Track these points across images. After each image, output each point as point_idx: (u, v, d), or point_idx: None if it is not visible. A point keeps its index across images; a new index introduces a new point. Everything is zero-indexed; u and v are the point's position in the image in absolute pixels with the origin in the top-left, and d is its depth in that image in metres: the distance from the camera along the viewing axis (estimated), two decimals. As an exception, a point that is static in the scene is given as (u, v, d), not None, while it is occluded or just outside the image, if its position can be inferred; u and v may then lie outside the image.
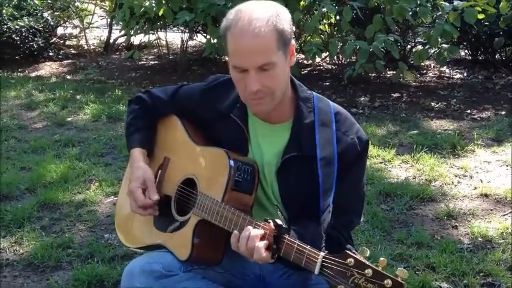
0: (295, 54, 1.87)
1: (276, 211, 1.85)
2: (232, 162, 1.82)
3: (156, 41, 7.96)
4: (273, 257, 1.65)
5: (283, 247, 1.63)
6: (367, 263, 1.45)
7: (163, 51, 8.15)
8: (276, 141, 1.89)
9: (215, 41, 6.29)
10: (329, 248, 1.64)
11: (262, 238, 1.66)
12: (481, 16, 5.53)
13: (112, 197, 3.71)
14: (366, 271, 1.44)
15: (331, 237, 1.76)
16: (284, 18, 1.76)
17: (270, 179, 1.90)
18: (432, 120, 5.37)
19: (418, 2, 5.65)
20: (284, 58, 1.77)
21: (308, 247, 1.58)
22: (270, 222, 1.66)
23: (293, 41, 1.82)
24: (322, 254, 1.55)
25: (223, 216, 1.79)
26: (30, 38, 8.35)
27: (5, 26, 8.14)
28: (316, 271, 1.54)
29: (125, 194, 2.18)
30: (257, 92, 1.74)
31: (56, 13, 8.80)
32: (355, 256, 1.47)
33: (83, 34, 8.86)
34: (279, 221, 1.66)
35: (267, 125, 1.91)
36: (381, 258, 1.45)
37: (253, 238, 1.66)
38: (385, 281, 1.41)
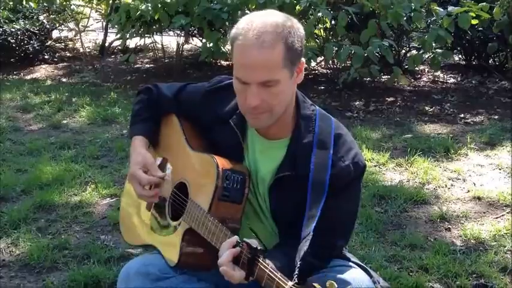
0: (303, 71, 1.79)
1: (252, 234, 1.82)
2: (220, 171, 1.79)
3: (151, 45, 7.98)
4: (247, 278, 1.61)
5: (257, 270, 1.59)
6: None
7: (159, 54, 8.17)
8: (271, 157, 1.86)
9: (211, 45, 6.31)
10: (304, 273, 1.61)
11: (237, 257, 1.63)
12: (474, 21, 5.58)
13: (108, 198, 3.73)
14: None
15: (313, 254, 1.71)
16: (296, 35, 1.71)
17: (263, 192, 1.88)
18: (426, 124, 5.41)
19: (413, 8, 5.69)
20: (289, 76, 1.72)
21: (279, 274, 1.54)
22: (243, 246, 1.63)
23: (303, 59, 1.76)
24: (290, 283, 1.50)
25: (207, 228, 1.76)
26: (25, 41, 8.35)
27: (1, 29, 8.14)
28: None
29: (128, 190, 2.18)
30: (256, 107, 1.71)
31: (51, 16, 8.82)
32: None
33: (78, 37, 8.88)
34: (253, 244, 1.62)
35: (264, 140, 1.88)
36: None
37: (224, 259, 1.63)
38: None
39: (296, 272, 1.56)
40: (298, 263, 1.61)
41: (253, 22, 1.69)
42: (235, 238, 1.66)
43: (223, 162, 1.82)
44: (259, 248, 1.62)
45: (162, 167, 2.06)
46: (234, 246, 1.64)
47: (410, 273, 2.84)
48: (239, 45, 1.69)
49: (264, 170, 1.86)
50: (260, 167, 1.87)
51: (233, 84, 1.77)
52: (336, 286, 1.44)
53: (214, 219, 1.75)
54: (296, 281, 1.52)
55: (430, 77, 7.21)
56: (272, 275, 1.54)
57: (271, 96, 1.70)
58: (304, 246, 1.66)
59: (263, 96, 1.69)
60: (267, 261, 1.60)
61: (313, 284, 1.44)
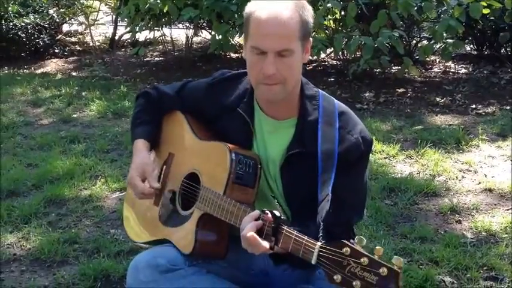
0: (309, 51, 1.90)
1: (275, 203, 1.86)
2: (233, 156, 1.85)
3: (161, 38, 7.99)
4: (272, 247, 1.65)
5: (282, 238, 1.63)
6: (363, 251, 1.45)
7: (168, 47, 8.18)
8: (280, 137, 1.91)
9: (220, 37, 6.31)
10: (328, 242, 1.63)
11: (260, 229, 1.67)
12: (486, 11, 5.52)
13: (118, 192, 3.74)
14: (362, 260, 1.44)
15: (331, 233, 1.73)
16: (308, 12, 1.82)
17: (274, 174, 1.92)
18: (437, 115, 5.37)
19: (423, -3, 5.65)
20: (301, 50, 1.81)
21: (306, 237, 1.59)
22: (267, 214, 1.67)
23: (310, 39, 1.86)
24: (319, 243, 1.55)
25: (225, 209, 1.81)
26: (35, 35, 8.40)
27: (11, 23, 8.19)
28: (314, 261, 1.54)
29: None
30: (271, 77, 1.77)
31: (61, 10, 8.86)
32: (351, 245, 1.47)
33: (88, 31, 8.91)
34: (277, 212, 1.66)
35: (272, 121, 1.93)
36: (377, 247, 1.45)
37: (249, 229, 1.67)
38: (381, 269, 1.41)
39: (321, 234, 1.62)
40: (321, 223, 1.67)
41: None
42: (257, 212, 1.71)
43: (234, 148, 1.88)
44: (282, 217, 1.67)
45: (168, 162, 2.08)
46: (256, 220, 1.69)
47: (420, 266, 2.83)
48: (257, 17, 1.77)
49: (274, 151, 1.92)
50: (270, 148, 1.93)
51: (247, 57, 1.84)
52: (365, 241, 1.47)
53: (231, 199, 1.80)
54: (323, 240, 1.56)
55: (441, 67, 7.15)
56: (299, 239, 1.59)
57: (286, 67, 1.77)
58: (325, 205, 1.73)
59: (279, 66, 1.76)
60: (291, 228, 1.64)
61: (343, 240, 1.48)
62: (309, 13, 1.81)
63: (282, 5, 1.76)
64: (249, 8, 1.82)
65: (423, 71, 6.92)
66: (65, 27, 9.53)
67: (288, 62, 1.77)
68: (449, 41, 5.96)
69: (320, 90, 1.97)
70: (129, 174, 2.02)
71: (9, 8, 8.16)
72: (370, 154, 1.96)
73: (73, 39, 9.51)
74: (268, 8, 1.76)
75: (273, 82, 1.78)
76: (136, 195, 2.02)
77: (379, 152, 4.33)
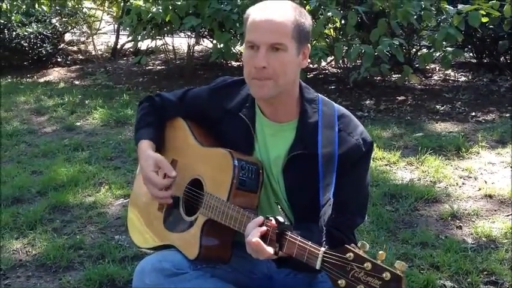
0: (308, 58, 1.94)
1: (278, 209, 1.89)
2: (236, 162, 1.87)
3: (162, 46, 8.04)
4: (276, 253, 1.67)
5: (286, 243, 1.65)
6: (366, 256, 1.47)
7: (170, 56, 8.23)
8: (282, 139, 1.95)
9: (221, 45, 6.36)
10: (331, 246, 1.65)
11: (264, 235, 1.69)
12: (485, 19, 5.56)
13: (121, 199, 3.77)
14: (365, 265, 1.46)
15: (334, 236, 1.78)
16: (306, 18, 1.87)
17: (276, 176, 1.95)
18: (437, 122, 5.42)
19: (423, 6, 5.70)
20: (296, 52, 1.84)
21: (309, 243, 1.60)
22: (271, 220, 1.69)
23: (309, 45, 1.90)
24: (323, 249, 1.57)
25: (229, 215, 1.83)
26: (38, 44, 8.47)
27: (14, 33, 8.26)
28: (318, 266, 1.56)
29: (136, 195, 2.25)
30: (262, 71, 1.80)
31: (64, 19, 8.93)
32: (355, 250, 1.49)
33: (90, 40, 8.97)
34: (280, 218, 1.68)
35: (273, 124, 1.96)
36: (380, 252, 1.47)
37: (253, 235, 1.69)
38: (384, 274, 1.43)
39: (324, 238, 1.65)
40: (324, 228, 1.70)
41: (267, 3, 1.87)
42: (261, 218, 1.73)
43: (237, 155, 1.90)
44: (286, 222, 1.69)
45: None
46: (260, 226, 1.71)
47: (422, 271, 2.86)
48: (254, 13, 1.85)
49: (276, 153, 1.94)
50: (272, 151, 1.96)
51: (243, 55, 1.90)
52: (368, 246, 1.49)
53: (235, 206, 1.82)
54: (327, 246, 1.58)
55: (441, 75, 7.20)
56: (303, 244, 1.61)
57: (277, 62, 1.80)
58: (328, 210, 1.76)
59: (270, 61, 1.79)
60: (295, 233, 1.66)
61: (346, 245, 1.51)
62: (305, 18, 1.86)
63: (280, 5, 1.84)
64: (248, 11, 1.89)
65: (423, 78, 6.97)
66: (68, 36, 9.60)
67: (279, 57, 1.80)
68: (449, 49, 5.99)
69: (320, 95, 2.01)
70: (144, 173, 2.01)
71: (13, 18, 8.22)
72: (372, 159, 2.00)
73: (75, 48, 9.57)
74: (265, 8, 1.84)
75: (264, 77, 1.81)
76: (157, 192, 1.98)
77: (380, 159, 4.36)
